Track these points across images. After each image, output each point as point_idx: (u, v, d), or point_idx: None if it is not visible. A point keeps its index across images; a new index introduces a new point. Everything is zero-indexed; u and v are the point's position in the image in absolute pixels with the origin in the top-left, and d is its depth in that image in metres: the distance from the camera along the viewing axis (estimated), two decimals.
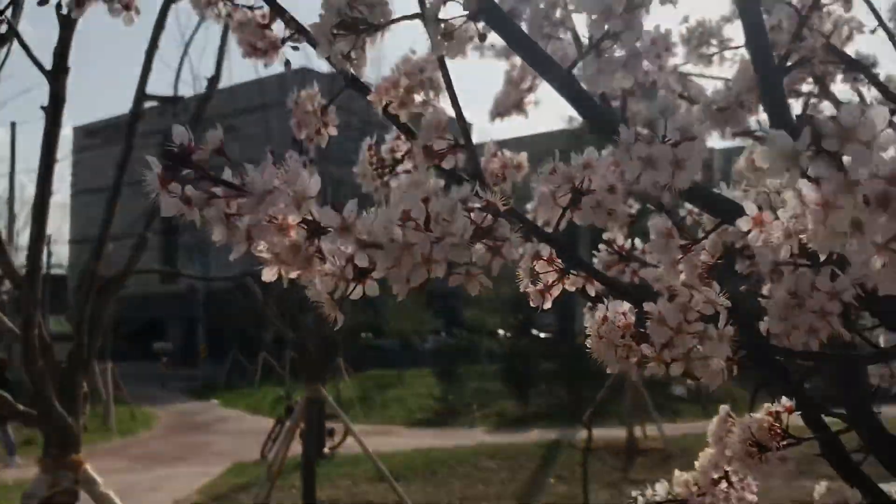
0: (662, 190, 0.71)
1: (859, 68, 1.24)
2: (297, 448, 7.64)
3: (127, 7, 1.01)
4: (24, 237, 16.73)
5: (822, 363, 0.87)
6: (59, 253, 29.23)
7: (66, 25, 2.25)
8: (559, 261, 0.80)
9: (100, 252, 2.89)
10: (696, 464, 0.94)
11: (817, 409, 0.88)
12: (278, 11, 0.99)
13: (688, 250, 0.82)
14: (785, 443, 0.85)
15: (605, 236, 0.98)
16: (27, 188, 19.62)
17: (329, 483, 8.60)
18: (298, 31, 0.99)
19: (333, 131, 1.05)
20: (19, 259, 6.16)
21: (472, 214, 0.63)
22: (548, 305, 0.79)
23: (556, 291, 0.79)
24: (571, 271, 0.80)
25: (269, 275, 0.63)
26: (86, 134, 33.40)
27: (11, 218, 13.81)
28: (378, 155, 1.07)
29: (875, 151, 0.49)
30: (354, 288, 0.62)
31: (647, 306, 0.72)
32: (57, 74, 2.31)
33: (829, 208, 0.50)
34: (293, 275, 0.63)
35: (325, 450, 10.18)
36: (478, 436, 12.07)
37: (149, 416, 15.70)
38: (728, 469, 0.91)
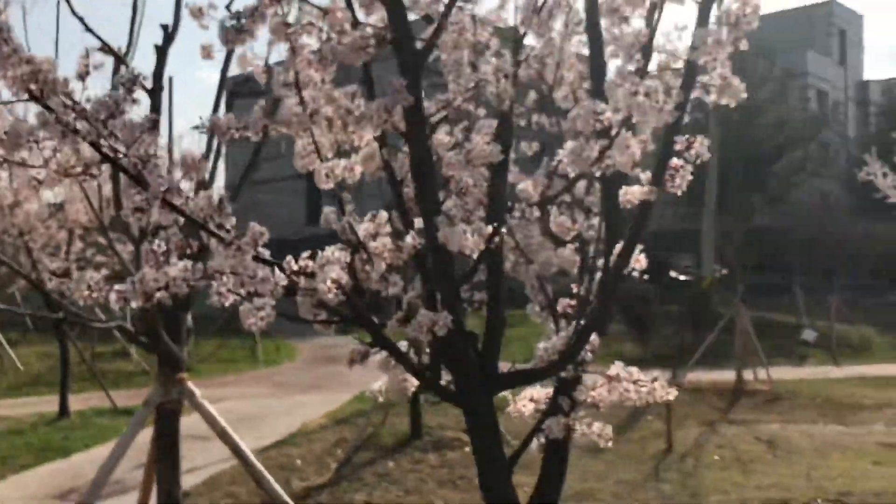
0: None
1: None
2: None
3: None
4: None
5: None
6: None
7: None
8: None
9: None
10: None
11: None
12: None
13: None
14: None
15: None
16: (183, 139, 21.31)
17: (441, 412, 9.39)
18: None
19: None
20: None
21: None
22: None
23: None
24: None
25: None
26: (236, 83, 35.17)
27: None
28: None
29: None
30: None
31: None
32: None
33: None
34: None
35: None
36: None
37: (292, 349, 17.10)
38: None
